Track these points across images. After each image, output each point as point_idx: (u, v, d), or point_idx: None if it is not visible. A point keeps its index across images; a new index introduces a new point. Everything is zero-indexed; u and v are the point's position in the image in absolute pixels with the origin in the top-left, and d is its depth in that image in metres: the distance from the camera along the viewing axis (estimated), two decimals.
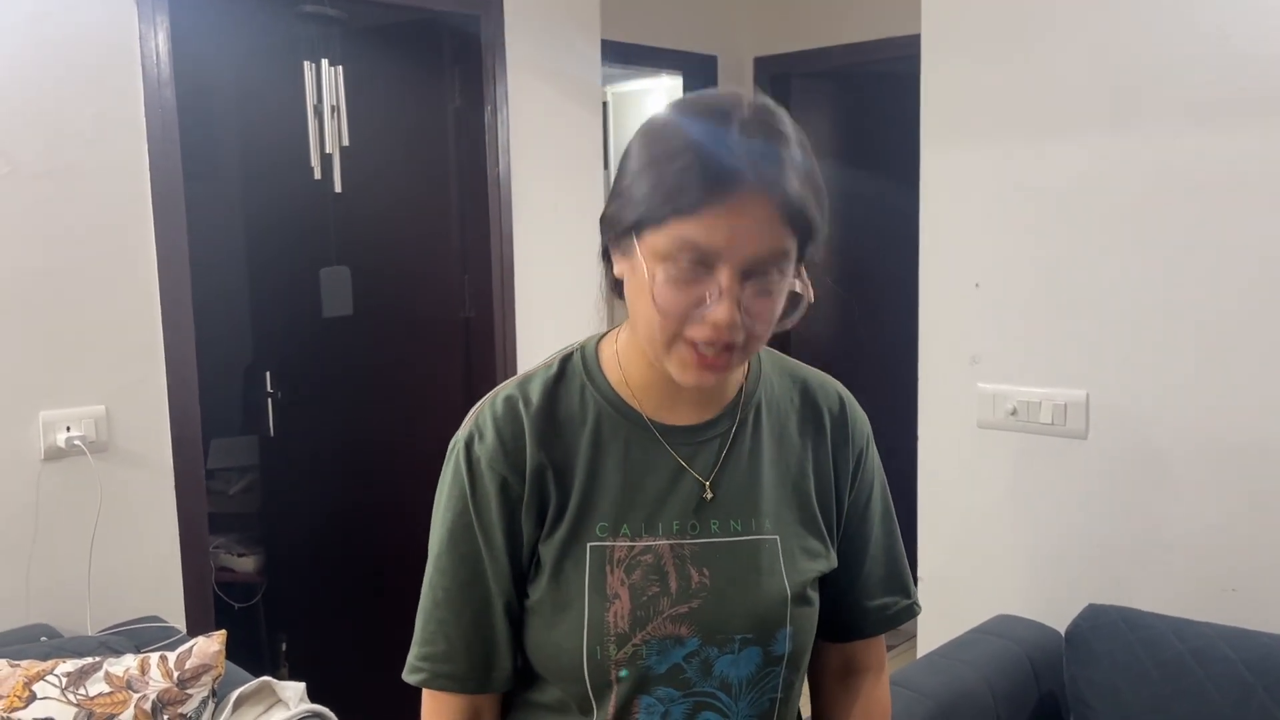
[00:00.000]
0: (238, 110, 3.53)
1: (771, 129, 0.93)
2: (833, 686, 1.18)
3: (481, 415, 1.03)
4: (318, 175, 2.78)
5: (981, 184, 2.34)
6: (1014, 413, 2.31)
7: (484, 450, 1.01)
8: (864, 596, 1.13)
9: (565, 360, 1.07)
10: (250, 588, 3.63)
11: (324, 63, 2.73)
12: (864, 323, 4.04)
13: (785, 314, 0.96)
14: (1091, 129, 2.17)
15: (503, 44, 3.01)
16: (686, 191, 0.89)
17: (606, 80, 3.45)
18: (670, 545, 1.00)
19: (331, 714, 1.93)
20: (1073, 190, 2.20)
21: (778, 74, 3.97)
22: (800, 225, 0.92)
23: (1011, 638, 2.13)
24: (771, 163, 0.91)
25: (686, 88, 4.11)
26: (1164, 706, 1.85)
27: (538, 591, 1.01)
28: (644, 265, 0.92)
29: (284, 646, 3.64)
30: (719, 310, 0.90)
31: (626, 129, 4.45)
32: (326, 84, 2.74)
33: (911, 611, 1.16)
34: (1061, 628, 2.11)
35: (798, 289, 0.95)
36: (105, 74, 2.30)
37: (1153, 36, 2.08)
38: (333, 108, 2.74)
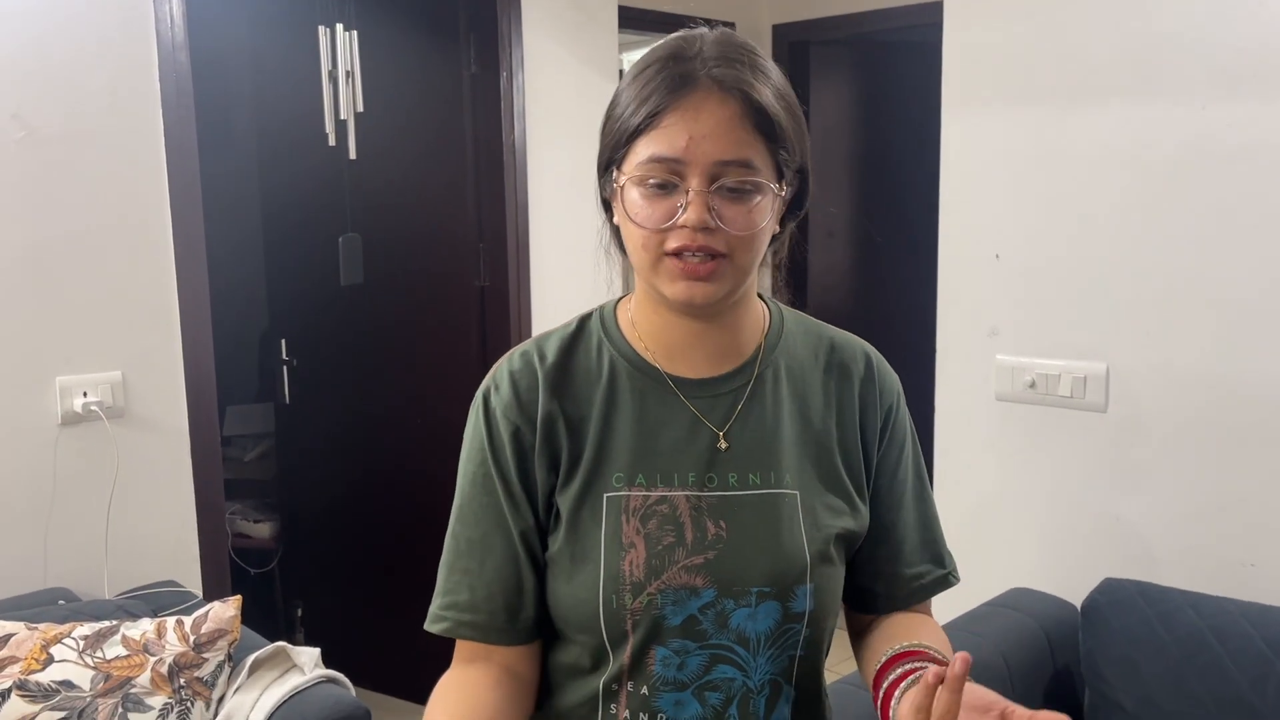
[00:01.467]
0: (253, 76, 3.51)
1: (731, 42, 0.97)
2: (875, 623, 1.13)
3: (499, 370, 1.06)
4: (332, 141, 2.76)
5: (1003, 153, 2.30)
6: (1032, 385, 2.29)
7: (499, 401, 1.03)
8: (898, 564, 1.11)
9: (584, 319, 1.09)
10: (265, 554, 3.65)
11: (339, 27, 2.70)
12: (880, 293, 4.02)
13: (778, 232, 1.00)
14: (1117, 97, 2.13)
15: (519, 9, 2.97)
16: (645, 104, 0.93)
17: (621, 48, 3.41)
18: (687, 496, 1.00)
19: (346, 679, 1.94)
20: (1097, 160, 2.17)
21: (796, 41, 3.92)
22: (766, 127, 0.94)
23: (1027, 611, 2.12)
24: (727, 65, 0.94)
25: None
26: (1181, 681, 1.84)
27: (556, 543, 1.02)
28: (622, 196, 0.96)
29: (299, 612, 3.67)
30: (690, 212, 0.93)
31: None
32: (341, 49, 2.71)
33: (947, 582, 1.14)
34: (1077, 601, 2.10)
35: (772, 184, 0.96)
36: (120, 38, 2.29)
37: (1184, 5, 2.03)
38: (347, 73, 2.72)
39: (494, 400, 1.04)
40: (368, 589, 3.48)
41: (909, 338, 3.02)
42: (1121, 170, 2.14)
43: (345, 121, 2.74)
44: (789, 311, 1.13)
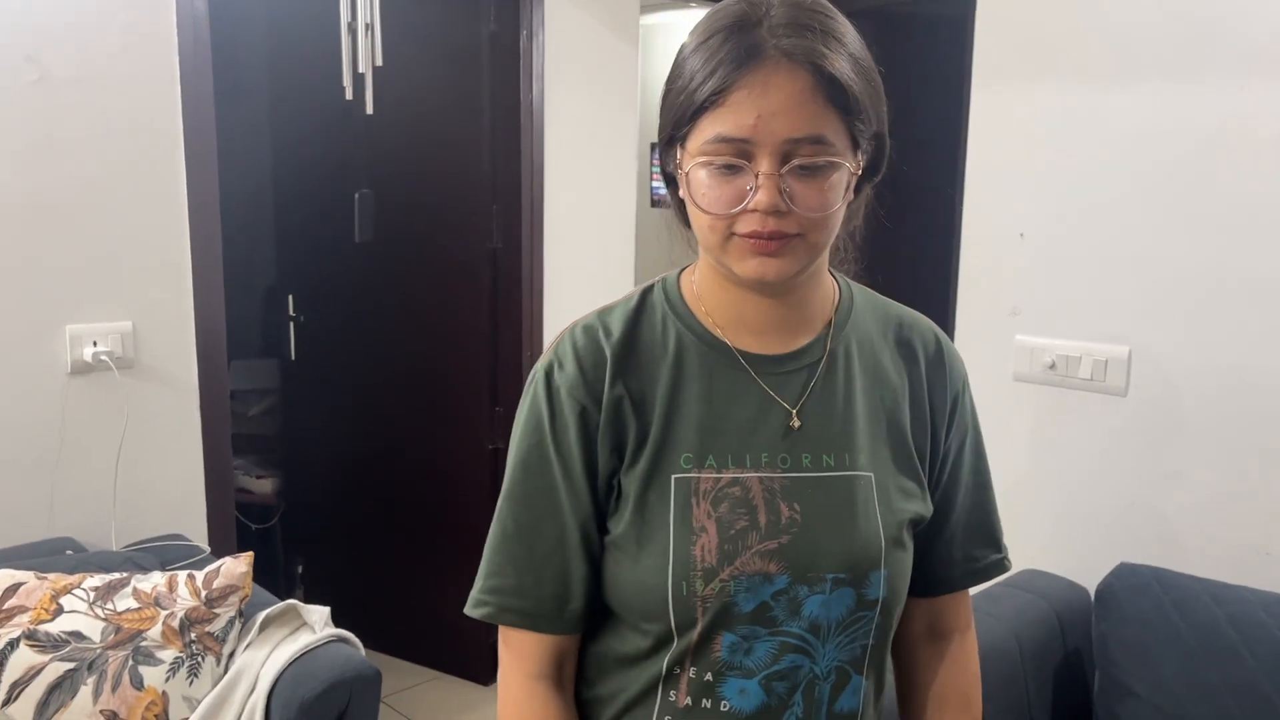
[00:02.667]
0: (270, 25, 3.45)
1: (800, 6, 0.91)
2: (919, 651, 1.13)
3: (562, 345, 1.01)
4: (349, 95, 2.71)
5: (1032, 130, 2.27)
6: (1052, 366, 2.27)
7: (564, 379, 0.98)
8: (953, 547, 1.09)
9: (646, 291, 1.04)
10: (267, 509, 3.64)
11: None
12: (897, 267, 3.99)
13: (853, 200, 0.96)
14: (1153, 76, 2.10)
15: None
16: (710, 79, 0.88)
17: (642, 10, 3.36)
18: (759, 478, 0.97)
19: (356, 639, 1.93)
20: (1128, 140, 2.14)
21: None
22: (839, 99, 0.88)
23: (1039, 593, 2.11)
24: (796, 35, 0.88)
25: None
26: (1195, 669, 1.84)
27: (620, 525, 0.97)
28: (688, 175, 0.92)
29: (299, 569, 3.66)
30: (760, 195, 0.88)
31: (654, 61, 4.36)
32: (362, 1, 2.66)
33: (1002, 566, 1.12)
34: (1089, 585, 2.09)
35: (846, 162, 0.91)
36: None
37: None
38: (367, 26, 2.66)
39: (558, 378, 0.99)
40: (369, 548, 3.48)
41: (925, 313, 3.00)
42: (1153, 151, 2.11)
43: (363, 75, 2.69)
44: (857, 287, 1.09)
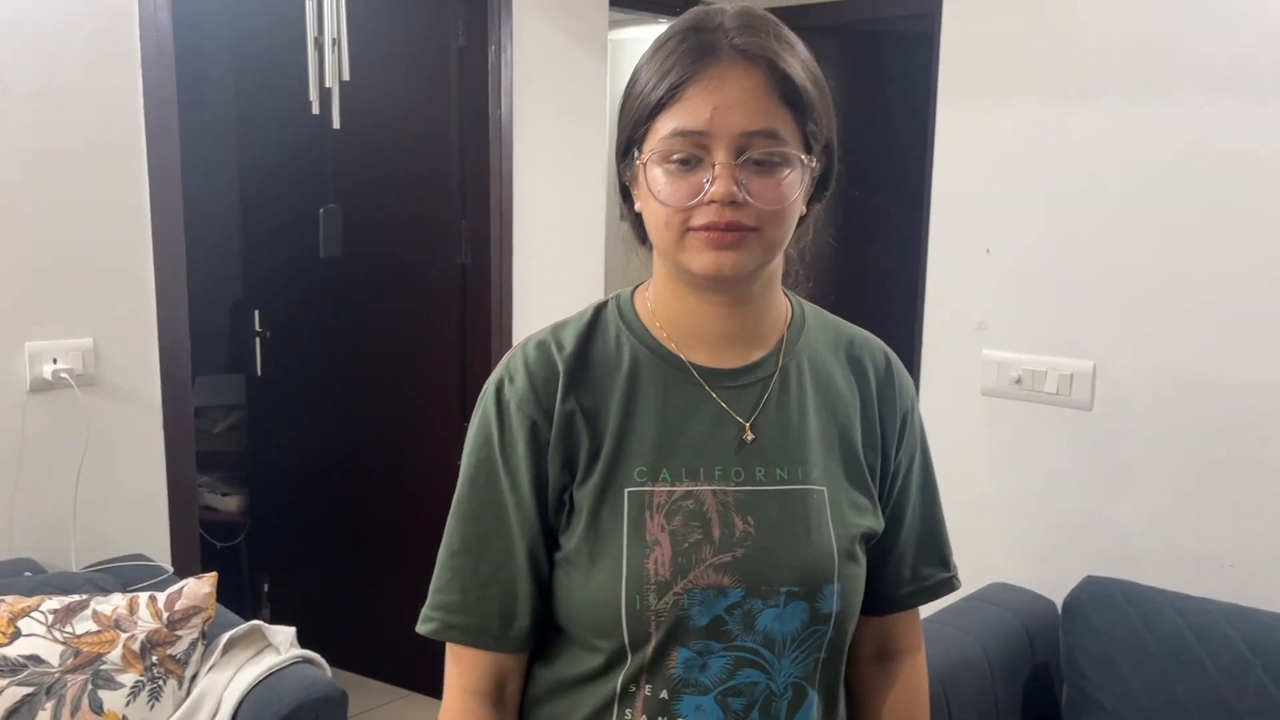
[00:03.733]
0: (235, 39, 3.43)
1: (752, 13, 0.94)
2: (868, 672, 1.13)
3: (513, 360, 1.01)
4: (316, 110, 2.69)
5: (997, 147, 2.29)
6: (1018, 381, 2.29)
7: (514, 393, 0.98)
8: (903, 565, 1.10)
9: (600, 307, 1.05)
10: (233, 527, 3.59)
11: None
12: (865, 283, 4.01)
13: (803, 214, 0.97)
14: (1115, 96, 2.13)
15: None
16: (667, 77, 0.90)
17: (611, 25, 3.36)
18: (713, 491, 0.97)
19: (322, 659, 1.91)
20: (1092, 158, 2.17)
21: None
22: (792, 97, 0.91)
23: (1007, 606, 2.12)
24: (753, 34, 0.91)
25: None
26: (1161, 681, 1.85)
27: (572, 540, 0.97)
28: (644, 171, 0.93)
29: (266, 587, 3.62)
30: (717, 186, 0.89)
31: (623, 76, 4.37)
32: (329, 15, 2.64)
33: (951, 585, 1.13)
34: (1056, 597, 2.11)
35: (802, 155, 0.93)
36: None
37: (1181, 4, 2.03)
38: (334, 40, 2.65)
39: (508, 392, 0.98)
40: (335, 565, 3.44)
41: (893, 330, 3.01)
42: (1116, 169, 2.14)
43: (330, 90, 2.67)
44: (809, 306, 1.10)
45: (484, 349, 3.05)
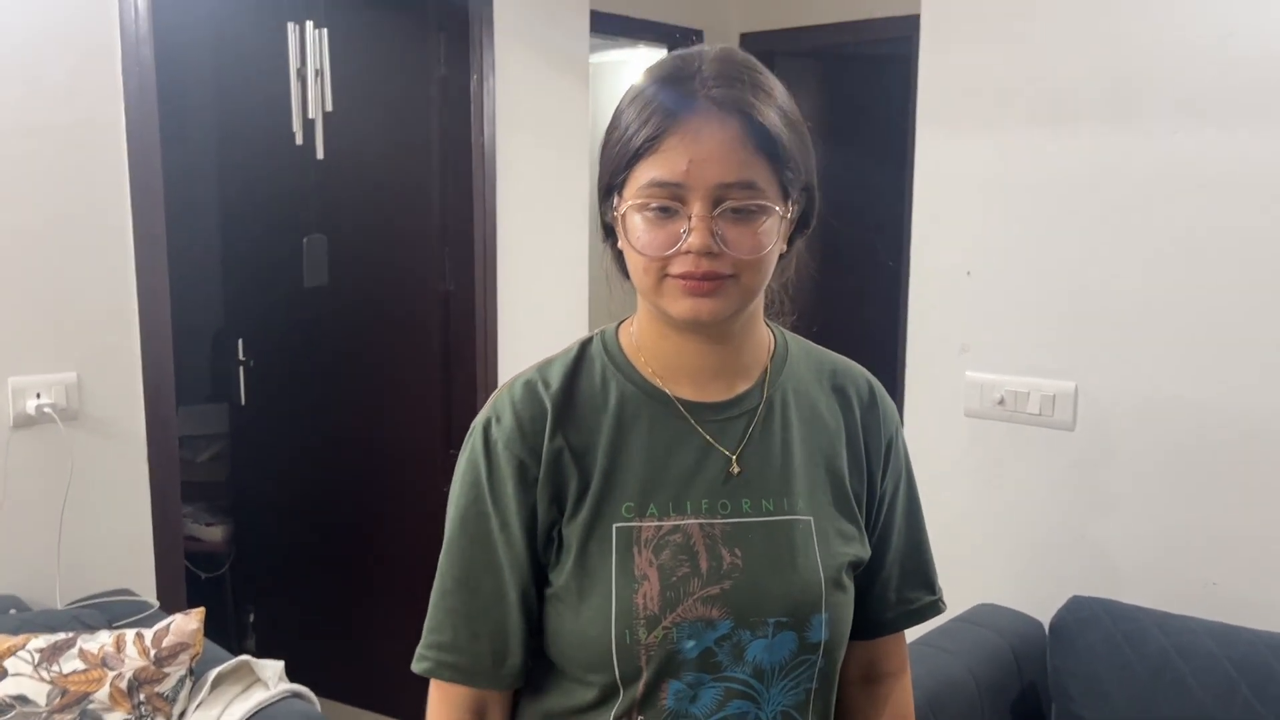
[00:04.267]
0: (219, 71, 3.44)
1: (731, 61, 0.95)
2: (855, 695, 1.14)
3: (500, 399, 1.02)
4: (299, 140, 2.70)
5: (977, 171, 2.32)
6: (1001, 402, 2.31)
7: (501, 433, 0.99)
8: (889, 589, 1.11)
9: (585, 344, 1.06)
10: (217, 558, 3.57)
11: (309, 25, 2.65)
12: (846, 307, 4.04)
13: (785, 251, 0.99)
14: (1091, 120, 2.16)
15: (490, 12, 2.94)
16: (644, 127, 0.91)
17: (592, 52, 3.39)
18: (700, 525, 0.98)
19: (311, 694, 1.90)
20: (1070, 181, 2.19)
21: (763, 51, 3.92)
22: (768, 147, 0.92)
23: (994, 628, 2.14)
24: (729, 85, 0.92)
25: None
26: (1147, 701, 1.87)
27: (562, 577, 0.98)
28: (624, 221, 0.94)
29: (251, 618, 3.59)
30: (693, 238, 0.91)
31: (604, 100, 4.40)
32: (311, 46, 2.66)
33: (936, 609, 1.14)
34: (1044, 618, 2.12)
35: (777, 206, 0.94)
36: (82, 28, 2.22)
37: (1157, 29, 2.07)
38: (316, 71, 2.66)
39: (495, 432, 0.99)
40: (321, 595, 3.42)
41: (877, 353, 3.03)
42: (1093, 193, 2.17)
43: (313, 120, 2.68)
44: (791, 336, 1.12)
45: (468, 376, 3.06)
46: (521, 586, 0.99)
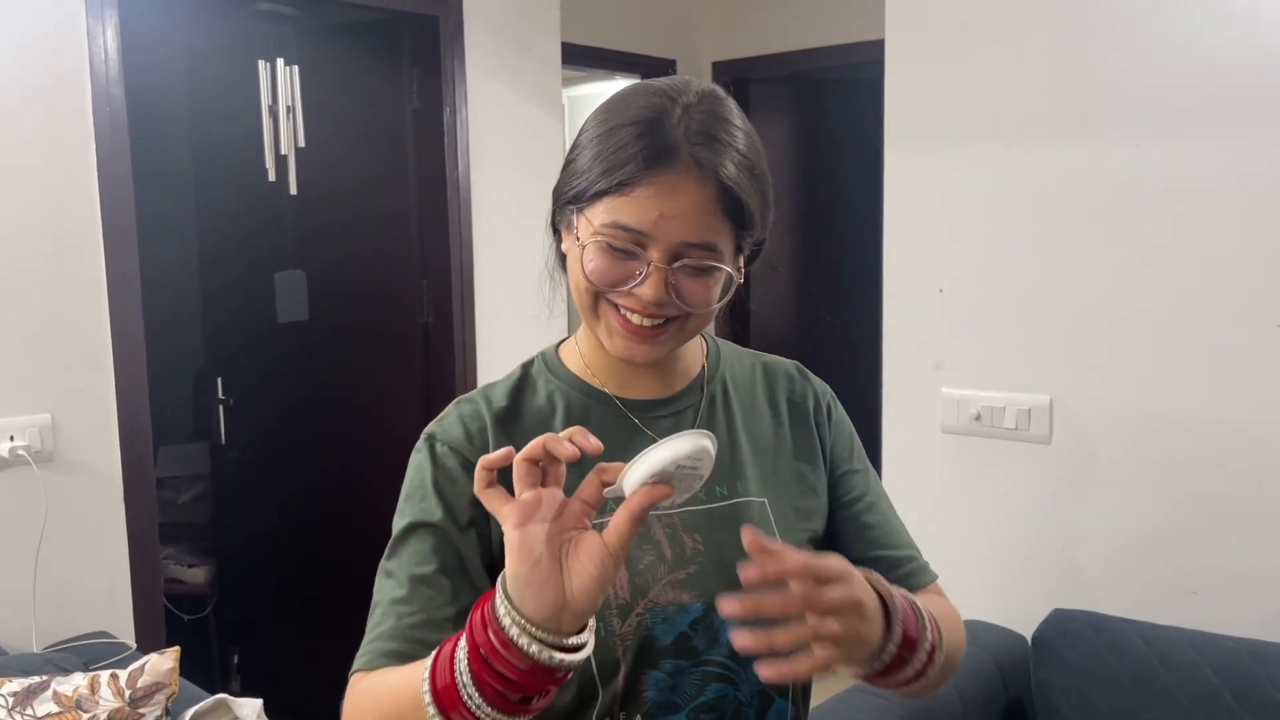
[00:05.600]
0: (190, 110, 3.45)
1: (715, 115, 0.94)
2: None
3: (446, 415, 1.04)
4: (272, 177, 2.72)
5: (945, 189, 2.34)
6: (978, 418, 2.32)
7: (448, 439, 1.00)
8: (880, 548, 1.09)
9: (527, 365, 1.08)
10: (200, 599, 3.54)
11: (279, 62, 2.67)
12: (826, 327, 4.05)
13: (720, 297, 0.98)
14: (1056, 135, 2.18)
15: (462, 45, 2.96)
16: (622, 168, 0.91)
17: (565, 83, 3.42)
18: (657, 515, 0.99)
19: None
20: (1037, 196, 2.21)
21: (736, 79, 3.97)
22: (735, 214, 0.93)
23: (978, 644, 2.13)
24: (709, 146, 0.92)
25: None
26: (1132, 712, 1.86)
27: None
28: (579, 236, 0.94)
29: (236, 659, 3.56)
30: (645, 287, 0.91)
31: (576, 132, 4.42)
32: (282, 84, 2.68)
33: (930, 574, 1.11)
34: (1027, 633, 2.11)
35: (730, 270, 0.95)
36: (52, 71, 2.23)
37: (1118, 43, 2.09)
38: (288, 108, 2.68)
39: (441, 437, 1.01)
40: (306, 635, 3.39)
41: (854, 372, 3.05)
42: (1061, 207, 2.18)
43: (286, 157, 2.70)
44: (720, 340, 1.16)
45: None
46: (475, 592, 0.95)
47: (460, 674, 0.78)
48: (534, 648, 0.76)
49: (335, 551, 3.28)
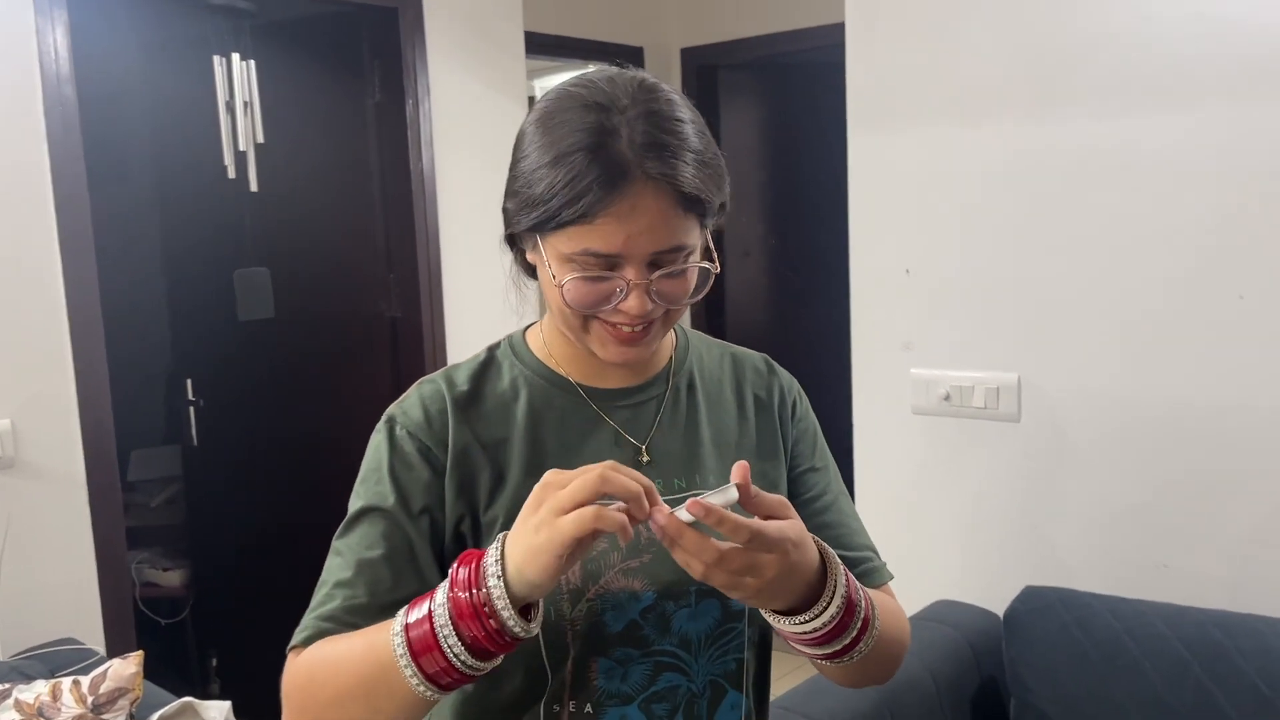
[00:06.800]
0: (146, 108, 3.41)
1: (657, 117, 0.91)
2: None
3: (405, 398, 1.03)
4: (232, 174, 2.68)
5: (909, 170, 2.33)
6: (947, 398, 2.31)
7: (407, 422, 1.00)
8: (841, 552, 1.06)
9: (492, 349, 1.08)
10: (177, 603, 3.51)
11: (235, 57, 2.63)
12: (795, 310, 4.05)
13: (698, 286, 0.98)
14: (1016, 113, 2.17)
15: (423, 36, 2.93)
16: (579, 199, 0.89)
17: (529, 74, 3.39)
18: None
19: None
20: (1000, 175, 2.20)
21: (704, 65, 3.95)
22: (697, 210, 0.93)
23: (951, 623, 2.12)
24: (658, 158, 0.90)
25: None
26: (1102, 686, 1.86)
27: None
28: (549, 264, 0.93)
29: (214, 663, 3.53)
30: (629, 302, 0.92)
31: None
32: (239, 79, 2.64)
33: (886, 574, 1.11)
34: (999, 610, 2.11)
35: (706, 263, 0.97)
36: (0, 73, 2.19)
37: (1076, 20, 2.08)
38: (245, 103, 2.65)
39: (400, 421, 1.00)
40: (285, 635, 3.35)
41: (825, 354, 3.05)
42: (1022, 184, 2.18)
43: (245, 153, 2.66)
44: (691, 330, 1.15)
45: None
46: (428, 563, 0.96)
47: (440, 626, 0.83)
48: (507, 614, 0.81)
49: (311, 549, 3.25)
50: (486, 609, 0.81)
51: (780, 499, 0.87)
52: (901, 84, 2.31)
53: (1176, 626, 1.85)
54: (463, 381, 1.03)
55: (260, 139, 2.66)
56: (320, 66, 3.04)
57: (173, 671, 3.31)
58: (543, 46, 3.50)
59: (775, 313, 4.08)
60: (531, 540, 0.81)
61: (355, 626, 0.93)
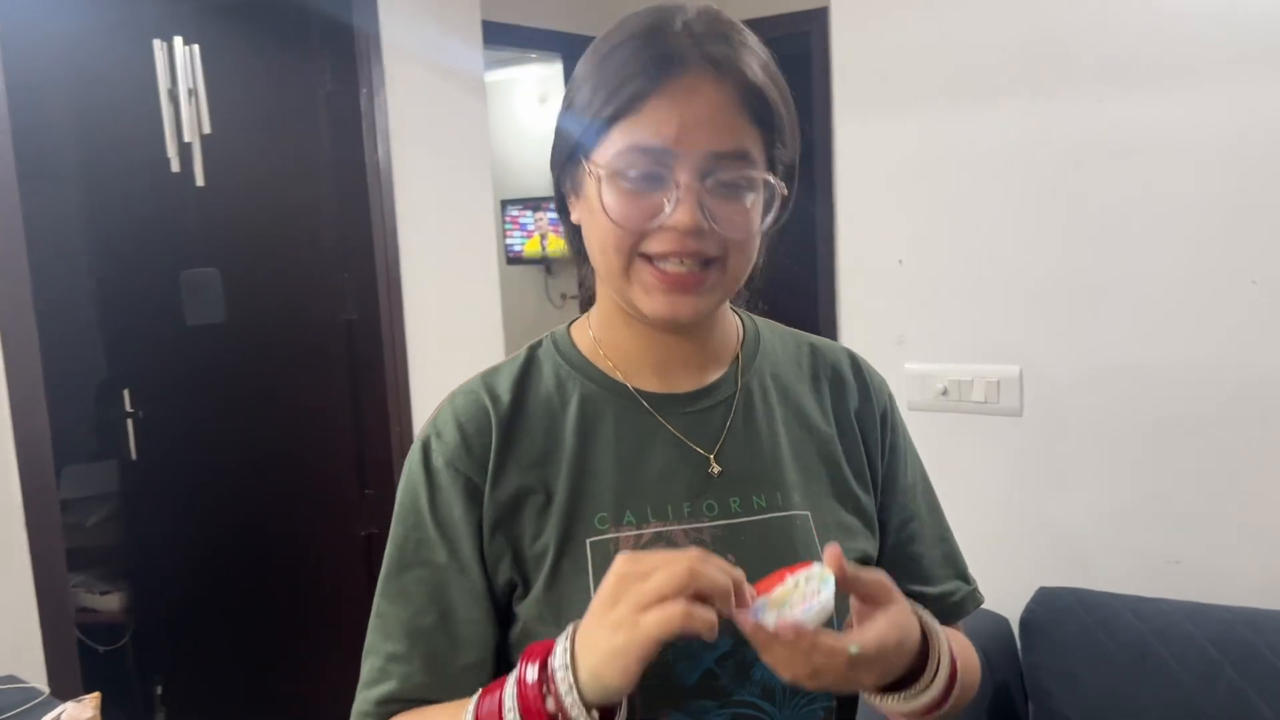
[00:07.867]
0: (77, 97, 3.18)
1: (721, 19, 0.83)
2: None
3: (441, 414, 0.90)
4: (176, 167, 2.49)
5: (899, 156, 2.24)
6: (945, 393, 2.23)
7: (443, 448, 0.87)
8: (922, 583, 0.99)
9: (534, 348, 0.94)
10: (116, 628, 3.29)
11: (178, 41, 2.44)
12: (782, 302, 3.96)
13: (765, 222, 0.85)
14: (1011, 96, 2.10)
15: (376, 24, 2.78)
16: (627, 84, 0.79)
17: (486, 65, 3.24)
18: (685, 530, 0.86)
19: None
20: (994, 160, 2.13)
21: None
22: (763, 114, 0.81)
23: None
24: (724, 42, 0.80)
25: (566, 73, 3.95)
26: (1129, 689, 1.79)
27: (531, 606, 0.85)
28: (593, 186, 0.81)
29: (159, 690, 3.32)
30: (679, 212, 0.79)
31: (498, 120, 4.26)
32: (181, 65, 2.45)
33: (976, 600, 1.02)
34: (1011, 613, 2.03)
35: (771, 178, 0.83)
36: None
37: (1068, 3, 2.02)
38: (189, 91, 2.46)
39: (436, 447, 0.87)
40: (233, 659, 3.17)
41: None
42: (1018, 169, 2.10)
43: (190, 145, 2.47)
44: (760, 319, 1.01)
45: (380, 408, 2.87)
46: (480, 621, 0.85)
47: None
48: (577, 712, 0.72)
49: (262, 566, 3.07)
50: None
51: (880, 580, 0.77)
52: (890, 68, 2.23)
53: (1203, 625, 1.78)
54: (503, 388, 0.90)
55: (207, 129, 2.47)
56: (269, 52, 2.85)
57: (112, 702, 3.09)
58: (497, 36, 3.36)
59: (760, 305, 3.99)
60: (610, 641, 0.70)
61: (419, 703, 0.83)
